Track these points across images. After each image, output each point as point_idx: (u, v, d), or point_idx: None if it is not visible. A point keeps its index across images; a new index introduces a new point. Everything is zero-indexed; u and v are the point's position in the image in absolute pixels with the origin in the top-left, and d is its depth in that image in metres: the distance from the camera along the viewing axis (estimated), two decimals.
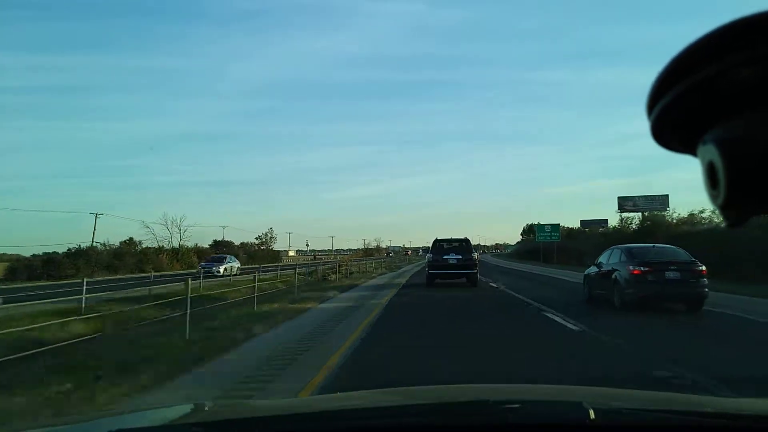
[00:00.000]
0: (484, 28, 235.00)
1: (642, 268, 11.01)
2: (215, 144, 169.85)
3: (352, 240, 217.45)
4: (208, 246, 63.82)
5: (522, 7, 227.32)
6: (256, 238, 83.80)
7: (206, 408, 1.93)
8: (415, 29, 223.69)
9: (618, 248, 12.75)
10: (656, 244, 13.23)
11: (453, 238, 20.79)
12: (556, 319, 10.31)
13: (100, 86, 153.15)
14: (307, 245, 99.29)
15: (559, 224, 55.13)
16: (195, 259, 51.53)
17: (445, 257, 19.70)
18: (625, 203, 48.67)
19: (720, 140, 0.47)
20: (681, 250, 11.88)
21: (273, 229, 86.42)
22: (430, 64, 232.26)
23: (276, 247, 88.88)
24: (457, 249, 19.88)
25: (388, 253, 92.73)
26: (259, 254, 74.76)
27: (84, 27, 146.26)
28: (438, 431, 1.43)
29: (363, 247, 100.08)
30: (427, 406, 1.74)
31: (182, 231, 55.71)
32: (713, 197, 0.48)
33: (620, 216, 47.41)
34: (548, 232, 53.60)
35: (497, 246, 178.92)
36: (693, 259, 11.27)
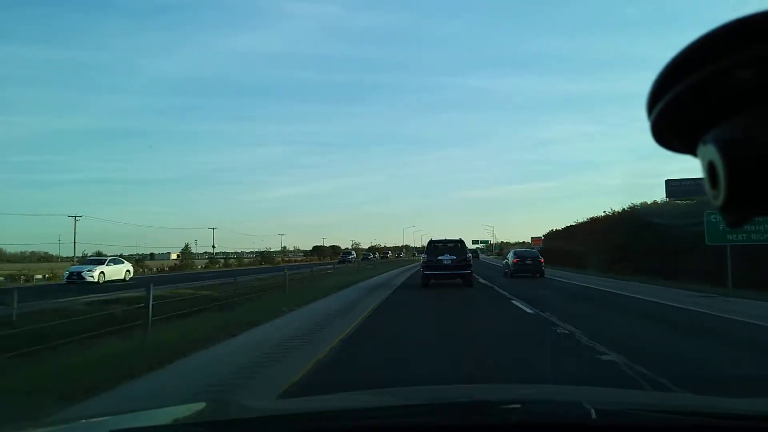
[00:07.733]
0: (403, 34, 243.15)
1: (517, 259, 25.08)
2: (126, 141, 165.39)
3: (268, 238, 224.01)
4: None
5: (440, 14, 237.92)
6: None
7: (206, 408, 2.03)
8: (331, 30, 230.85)
9: (512, 250, 26.90)
10: (527, 249, 27.65)
11: (448, 239, 21.15)
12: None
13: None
14: (214, 247, 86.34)
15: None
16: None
17: (439, 258, 19.96)
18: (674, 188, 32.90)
19: (720, 140, 0.47)
20: (535, 251, 26.01)
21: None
22: (351, 66, 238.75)
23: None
24: (452, 250, 20.16)
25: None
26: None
27: None
28: (438, 431, 1.44)
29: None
30: (427, 406, 1.76)
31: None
32: (713, 197, 0.48)
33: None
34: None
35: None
36: (538, 255, 25.31)
